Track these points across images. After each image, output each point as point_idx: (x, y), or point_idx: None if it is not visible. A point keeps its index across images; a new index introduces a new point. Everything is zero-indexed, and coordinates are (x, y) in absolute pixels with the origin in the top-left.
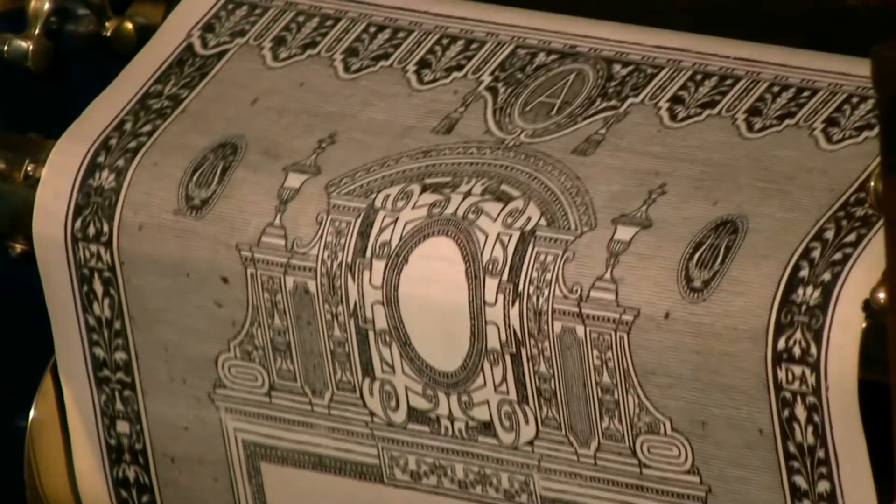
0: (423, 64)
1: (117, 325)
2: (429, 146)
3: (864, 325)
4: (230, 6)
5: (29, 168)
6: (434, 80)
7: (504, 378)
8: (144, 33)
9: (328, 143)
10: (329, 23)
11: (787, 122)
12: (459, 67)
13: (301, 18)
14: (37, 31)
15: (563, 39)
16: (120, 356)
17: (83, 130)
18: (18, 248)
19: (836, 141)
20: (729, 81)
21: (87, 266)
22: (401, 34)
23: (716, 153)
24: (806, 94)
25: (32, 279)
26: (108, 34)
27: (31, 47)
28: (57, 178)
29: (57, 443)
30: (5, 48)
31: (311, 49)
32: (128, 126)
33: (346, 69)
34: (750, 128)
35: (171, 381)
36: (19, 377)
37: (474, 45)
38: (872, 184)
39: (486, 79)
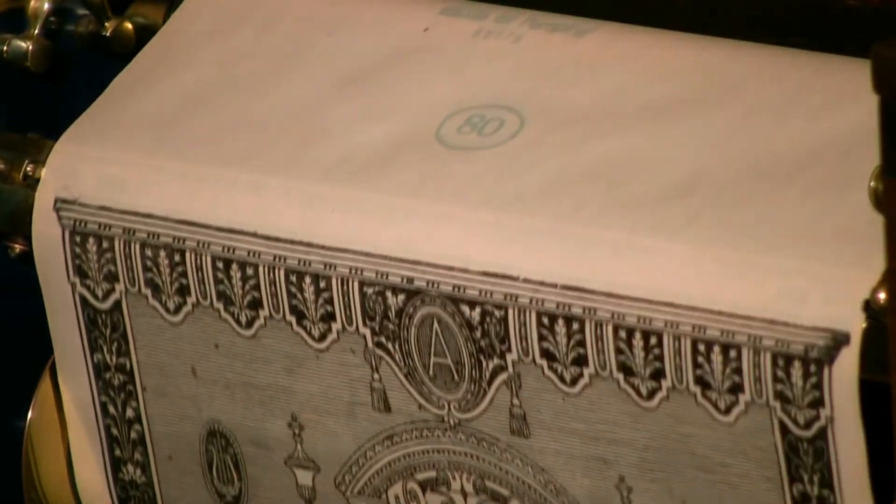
0: (298, 315)
1: None
2: (386, 430)
3: (864, 325)
4: (78, 238)
5: (28, 168)
6: (323, 336)
7: None
8: (144, 33)
9: (297, 427)
10: (177, 257)
11: (664, 383)
12: (332, 317)
13: (150, 253)
14: (36, 32)
15: (397, 271)
16: None
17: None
18: (18, 248)
19: (725, 410)
20: (576, 325)
21: None
22: (249, 270)
23: (636, 433)
24: (654, 340)
25: (32, 279)
26: (108, 34)
27: (30, 47)
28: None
29: (55, 443)
30: (5, 48)
31: (189, 295)
32: (111, 409)
33: (237, 322)
34: (639, 394)
35: None
36: (18, 377)
37: (322, 282)
38: (873, 184)
39: (365, 332)
